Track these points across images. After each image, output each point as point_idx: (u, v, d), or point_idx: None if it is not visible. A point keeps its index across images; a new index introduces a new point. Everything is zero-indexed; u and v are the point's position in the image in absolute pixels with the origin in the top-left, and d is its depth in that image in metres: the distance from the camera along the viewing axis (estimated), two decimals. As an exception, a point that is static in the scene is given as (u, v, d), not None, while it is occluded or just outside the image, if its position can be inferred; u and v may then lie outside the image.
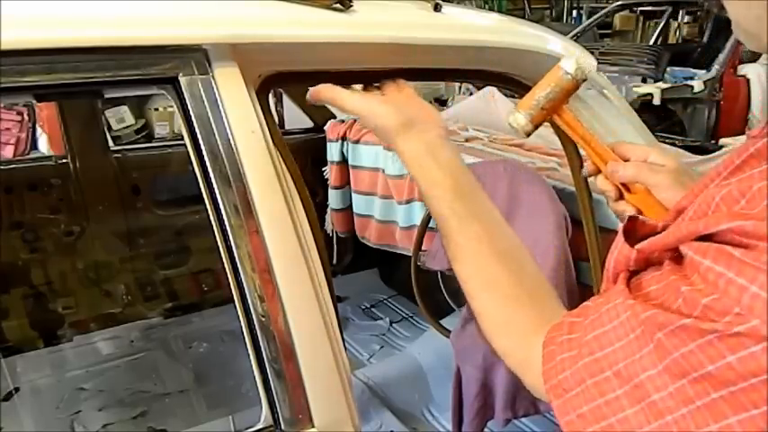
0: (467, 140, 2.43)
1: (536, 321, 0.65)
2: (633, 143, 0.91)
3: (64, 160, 2.20)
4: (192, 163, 0.84)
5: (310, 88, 0.85)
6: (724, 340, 0.42)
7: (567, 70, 0.81)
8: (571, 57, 0.85)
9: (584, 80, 0.82)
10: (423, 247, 2.04)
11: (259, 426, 0.85)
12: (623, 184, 0.81)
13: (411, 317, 2.78)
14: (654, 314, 0.47)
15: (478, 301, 0.70)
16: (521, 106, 0.85)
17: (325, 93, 0.83)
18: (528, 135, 0.85)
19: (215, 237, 0.84)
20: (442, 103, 4.92)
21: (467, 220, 0.72)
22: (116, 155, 2.33)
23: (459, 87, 5.04)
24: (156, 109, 4.78)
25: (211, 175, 0.83)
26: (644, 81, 5.04)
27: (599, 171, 0.84)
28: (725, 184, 0.47)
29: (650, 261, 0.55)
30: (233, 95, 0.85)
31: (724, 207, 0.46)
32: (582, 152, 1.41)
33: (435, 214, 0.74)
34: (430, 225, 2.02)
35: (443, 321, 2.08)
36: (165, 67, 0.82)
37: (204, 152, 0.83)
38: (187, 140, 0.84)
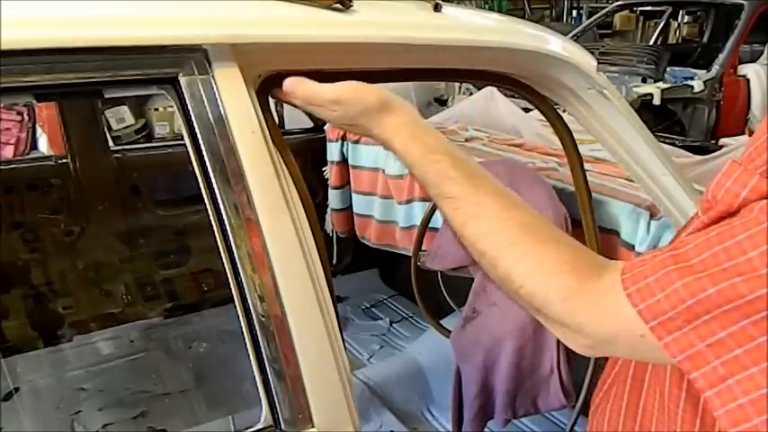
0: (467, 140, 2.43)
1: (591, 259, 0.61)
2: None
3: (64, 160, 2.20)
4: (192, 163, 0.84)
5: (283, 85, 0.84)
6: None
7: None
8: None
9: None
10: (423, 247, 2.04)
11: (259, 426, 0.85)
12: None
13: (411, 317, 2.78)
14: None
15: (519, 247, 0.63)
16: None
17: (300, 89, 0.83)
18: None
19: (215, 237, 0.84)
20: (442, 103, 4.91)
21: (479, 176, 0.69)
22: (116, 155, 2.33)
23: (459, 87, 5.03)
24: (156, 109, 4.78)
25: (211, 175, 0.83)
26: (644, 81, 5.04)
27: None
28: None
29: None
30: (233, 95, 0.85)
31: None
32: (582, 152, 1.41)
33: (441, 177, 0.70)
34: (430, 225, 2.02)
35: (443, 321, 2.08)
36: (165, 67, 0.82)
37: (204, 152, 0.83)
38: (187, 140, 0.84)
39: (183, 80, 0.82)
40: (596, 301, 0.58)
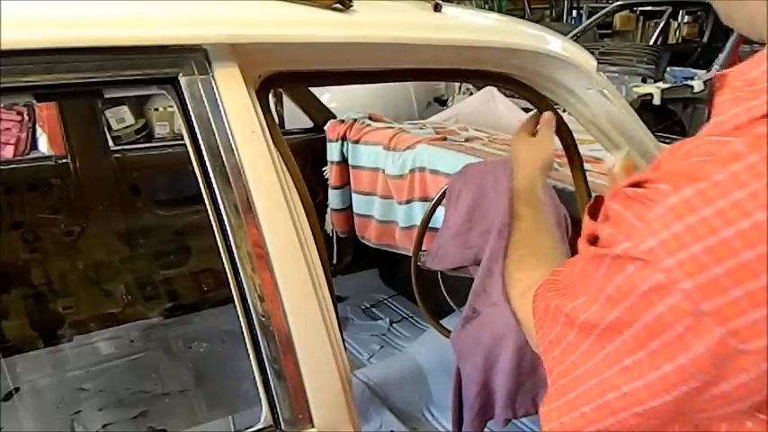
0: (467, 140, 2.43)
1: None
2: None
3: (64, 160, 2.20)
4: (192, 163, 0.84)
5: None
6: (616, 262, 0.50)
7: None
8: None
9: None
10: (423, 247, 2.03)
11: (259, 426, 0.85)
12: None
13: (411, 317, 2.78)
14: (593, 252, 0.55)
15: (519, 262, 0.87)
16: None
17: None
18: None
19: (215, 237, 0.85)
20: (441, 103, 4.90)
21: (541, 232, 0.95)
22: (116, 155, 2.33)
23: (459, 87, 5.02)
24: (156, 109, 4.78)
25: (211, 175, 0.83)
26: (644, 81, 5.04)
27: None
28: None
29: None
30: (233, 95, 0.85)
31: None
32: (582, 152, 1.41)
33: (523, 224, 0.96)
34: (430, 225, 2.02)
35: (443, 321, 2.08)
36: (165, 67, 0.82)
37: (204, 152, 0.83)
38: (187, 140, 0.84)
39: (182, 80, 0.82)
40: (526, 295, 0.72)
